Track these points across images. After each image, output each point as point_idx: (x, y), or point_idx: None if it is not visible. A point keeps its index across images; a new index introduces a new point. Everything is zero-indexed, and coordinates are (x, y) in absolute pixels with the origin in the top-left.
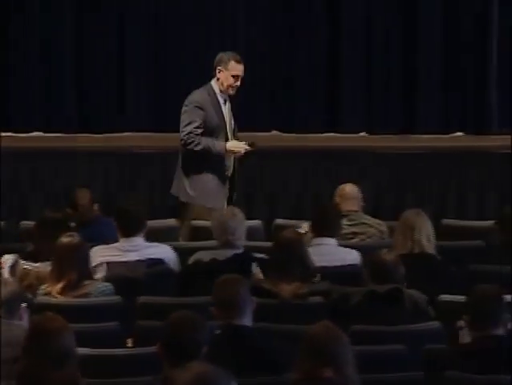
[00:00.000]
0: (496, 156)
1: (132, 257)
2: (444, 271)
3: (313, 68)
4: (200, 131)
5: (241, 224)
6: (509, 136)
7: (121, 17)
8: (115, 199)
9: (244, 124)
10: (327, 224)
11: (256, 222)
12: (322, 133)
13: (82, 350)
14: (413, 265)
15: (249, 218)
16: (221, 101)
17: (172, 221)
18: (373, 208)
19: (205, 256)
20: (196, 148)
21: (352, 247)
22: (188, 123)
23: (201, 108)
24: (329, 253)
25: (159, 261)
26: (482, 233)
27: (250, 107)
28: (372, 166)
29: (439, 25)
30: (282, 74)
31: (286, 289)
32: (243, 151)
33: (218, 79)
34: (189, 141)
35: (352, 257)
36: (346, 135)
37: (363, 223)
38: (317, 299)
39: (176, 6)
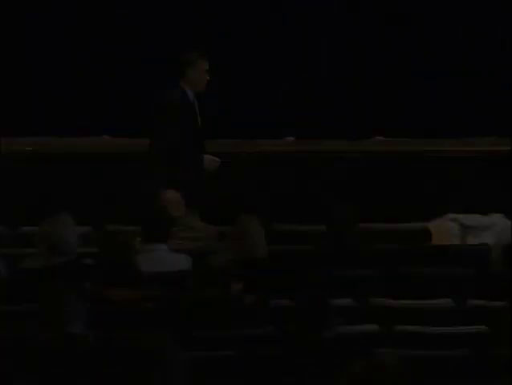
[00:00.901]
0: (335, 159)
1: None
2: (276, 275)
3: None
4: (185, 137)
5: (72, 230)
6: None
7: None
8: None
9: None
10: (157, 230)
11: (87, 228)
12: None
13: None
14: (245, 269)
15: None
16: (191, 101)
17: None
18: (205, 213)
19: (34, 263)
20: (183, 157)
21: (183, 252)
22: (175, 130)
23: (183, 112)
24: (160, 258)
25: None
26: (313, 237)
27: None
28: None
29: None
30: None
31: (116, 294)
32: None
33: (189, 80)
34: (179, 148)
35: (183, 262)
36: None
37: (192, 228)
38: (147, 304)
39: None
